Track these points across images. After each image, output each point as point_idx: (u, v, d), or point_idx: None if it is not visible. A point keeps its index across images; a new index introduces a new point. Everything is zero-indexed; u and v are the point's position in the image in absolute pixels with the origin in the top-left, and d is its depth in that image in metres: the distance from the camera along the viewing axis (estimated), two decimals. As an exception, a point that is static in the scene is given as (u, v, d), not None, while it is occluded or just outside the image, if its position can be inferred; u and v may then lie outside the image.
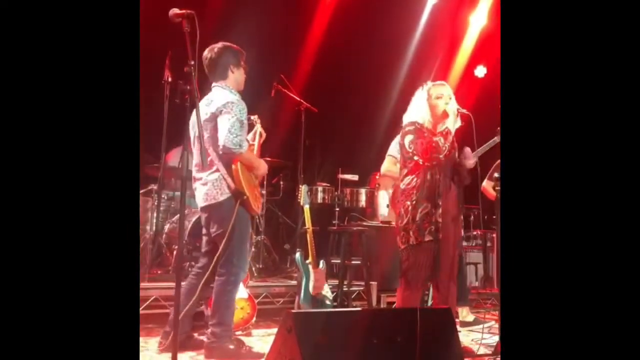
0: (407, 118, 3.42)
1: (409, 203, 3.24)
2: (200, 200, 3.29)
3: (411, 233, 3.21)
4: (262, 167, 3.41)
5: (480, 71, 7.24)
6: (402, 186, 3.32)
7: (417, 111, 3.38)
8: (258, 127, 3.62)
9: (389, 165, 4.64)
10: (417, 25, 7.13)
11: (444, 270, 3.24)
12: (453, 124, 3.32)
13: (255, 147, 3.55)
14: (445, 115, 3.31)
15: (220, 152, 3.16)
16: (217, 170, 3.22)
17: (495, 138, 3.76)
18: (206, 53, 3.34)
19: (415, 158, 3.23)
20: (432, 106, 3.34)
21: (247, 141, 3.32)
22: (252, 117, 3.62)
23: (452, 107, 3.31)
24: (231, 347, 3.17)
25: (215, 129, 3.17)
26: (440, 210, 3.20)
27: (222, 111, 3.16)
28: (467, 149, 3.38)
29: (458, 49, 7.13)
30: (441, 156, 3.22)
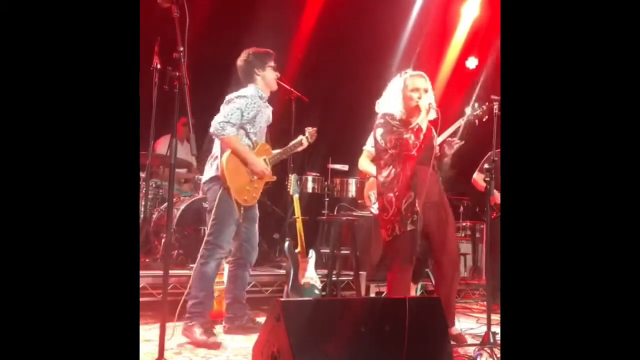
0: (380, 107, 3.40)
1: (391, 195, 3.23)
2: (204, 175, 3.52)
3: (395, 224, 3.21)
4: (256, 165, 3.44)
5: (472, 62, 7.24)
6: (380, 179, 3.31)
7: (390, 102, 3.36)
8: (304, 138, 3.77)
9: (363, 159, 4.74)
10: (409, 16, 7.11)
11: (446, 259, 3.33)
12: (424, 120, 3.25)
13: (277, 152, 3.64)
14: (417, 110, 3.27)
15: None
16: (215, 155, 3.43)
17: (460, 121, 3.82)
18: (237, 61, 3.54)
19: (390, 151, 3.23)
20: (406, 98, 3.33)
21: (247, 131, 3.41)
22: (307, 130, 3.79)
23: (424, 102, 3.27)
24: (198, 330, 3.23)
25: None
26: (420, 199, 3.19)
27: (230, 100, 3.34)
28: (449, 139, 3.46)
29: (450, 40, 7.12)
30: (412, 152, 3.20)
